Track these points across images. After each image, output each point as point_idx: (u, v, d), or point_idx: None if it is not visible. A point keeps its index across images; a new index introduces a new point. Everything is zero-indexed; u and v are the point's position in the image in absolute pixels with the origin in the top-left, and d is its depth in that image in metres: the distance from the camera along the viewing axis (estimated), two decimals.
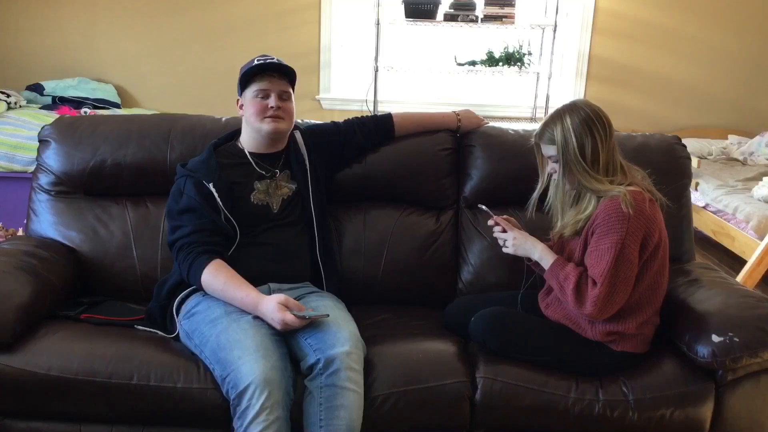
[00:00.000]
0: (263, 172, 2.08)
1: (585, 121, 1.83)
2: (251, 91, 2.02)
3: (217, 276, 1.87)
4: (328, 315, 1.82)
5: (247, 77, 2.02)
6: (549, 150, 1.90)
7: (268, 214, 2.06)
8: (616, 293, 1.79)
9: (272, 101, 2.02)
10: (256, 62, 2.02)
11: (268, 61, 2.02)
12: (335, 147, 2.23)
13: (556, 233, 1.98)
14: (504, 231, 2.03)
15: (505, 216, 2.10)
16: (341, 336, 1.77)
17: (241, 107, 2.08)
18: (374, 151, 2.30)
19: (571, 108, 1.87)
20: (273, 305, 1.78)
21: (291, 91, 2.08)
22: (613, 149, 1.87)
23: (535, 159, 2.01)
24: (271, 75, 2.02)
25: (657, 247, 1.85)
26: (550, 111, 1.95)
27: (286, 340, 1.84)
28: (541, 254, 1.93)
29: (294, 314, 1.77)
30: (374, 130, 2.28)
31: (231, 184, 2.02)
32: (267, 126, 2.03)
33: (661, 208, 1.91)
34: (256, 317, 1.83)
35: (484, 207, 2.11)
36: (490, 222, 2.07)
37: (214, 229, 1.95)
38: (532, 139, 1.96)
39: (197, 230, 1.93)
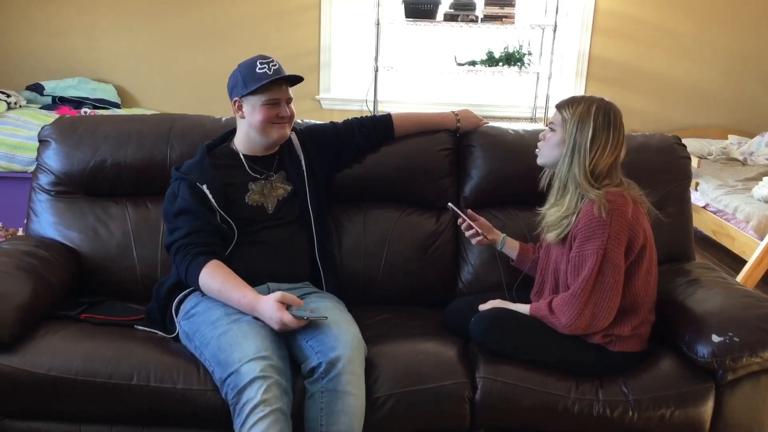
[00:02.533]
0: (257, 175, 2.08)
1: (608, 124, 1.84)
2: (260, 98, 1.99)
3: (214, 277, 1.87)
4: (326, 317, 1.81)
5: (258, 85, 1.98)
6: (557, 118, 1.91)
7: (263, 214, 2.05)
8: (607, 299, 1.80)
9: (283, 111, 2.02)
10: (260, 67, 1.98)
11: (274, 71, 1.98)
12: (333, 147, 2.23)
13: (542, 228, 2.00)
14: (471, 228, 2.08)
15: (469, 211, 2.12)
16: (343, 339, 1.76)
17: (239, 108, 2.05)
18: (374, 151, 2.30)
19: (604, 105, 1.87)
20: (271, 304, 1.78)
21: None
22: (615, 165, 1.88)
23: (534, 156, 2.02)
24: (280, 84, 2.02)
25: (643, 248, 1.85)
26: (551, 110, 1.95)
27: (287, 343, 1.84)
28: (515, 307, 1.96)
29: (292, 314, 1.77)
30: (373, 131, 2.28)
31: (225, 186, 2.02)
32: (276, 133, 2.03)
33: (650, 215, 1.91)
34: (256, 318, 1.82)
35: (452, 206, 2.10)
36: (460, 221, 2.08)
37: (210, 229, 1.95)
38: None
39: (193, 231, 1.93)
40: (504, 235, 2.15)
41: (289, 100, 2.05)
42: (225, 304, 1.87)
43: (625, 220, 1.80)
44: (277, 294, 1.80)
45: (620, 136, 1.87)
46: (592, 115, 1.85)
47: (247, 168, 2.08)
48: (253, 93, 1.99)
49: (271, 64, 2.00)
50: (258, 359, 1.69)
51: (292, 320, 1.76)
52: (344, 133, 2.25)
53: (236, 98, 2.04)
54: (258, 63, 2.00)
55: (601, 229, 1.78)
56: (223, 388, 1.73)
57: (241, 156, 2.09)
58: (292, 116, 2.07)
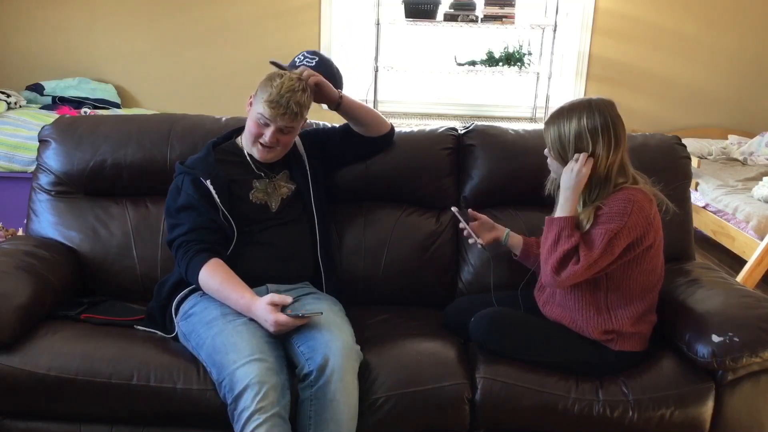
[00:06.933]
0: (261, 173, 2.08)
1: (598, 129, 1.82)
2: (257, 111, 1.96)
3: (213, 276, 1.87)
4: (321, 312, 1.81)
5: (262, 99, 1.94)
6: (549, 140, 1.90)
7: (267, 213, 2.05)
8: (584, 272, 1.80)
9: (267, 136, 1.96)
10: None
11: (285, 98, 1.90)
12: (327, 151, 2.22)
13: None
14: (471, 236, 2.05)
15: (470, 210, 2.11)
16: (333, 345, 1.75)
17: (250, 104, 2.03)
18: (369, 159, 2.28)
19: (591, 109, 1.84)
20: (263, 306, 1.78)
21: (296, 126, 1.99)
22: (624, 161, 1.87)
23: (534, 156, 2.02)
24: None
25: (649, 247, 1.85)
26: (551, 110, 1.95)
27: (283, 344, 1.83)
28: (561, 207, 1.86)
29: (286, 314, 1.76)
30: (352, 133, 2.21)
31: (229, 182, 2.01)
32: (257, 151, 2.01)
33: (667, 212, 1.92)
34: (252, 319, 1.82)
35: (455, 211, 2.08)
36: (462, 225, 2.07)
37: (213, 227, 1.95)
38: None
39: (195, 228, 1.93)
40: (508, 230, 2.14)
41: (285, 128, 1.97)
42: (222, 305, 1.86)
43: (644, 216, 1.81)
44: (268, 296, 1.80)
45: (617, 133, 1.84)
46: (582, 129, 1.83)
47: (251, 165, 2.07)
48: (261, 98, 1.95)
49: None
50: (253, 361, 1.69)
51: (286, 320, 1.76)
52: (334, 138, 2.23)
53: (252, 94, 2.02)
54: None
55: (620, 217, 1.79)
56: (220, 389, 1.73)
57: (246, 153, 2.08)
58: (284, 144, 2.01)
